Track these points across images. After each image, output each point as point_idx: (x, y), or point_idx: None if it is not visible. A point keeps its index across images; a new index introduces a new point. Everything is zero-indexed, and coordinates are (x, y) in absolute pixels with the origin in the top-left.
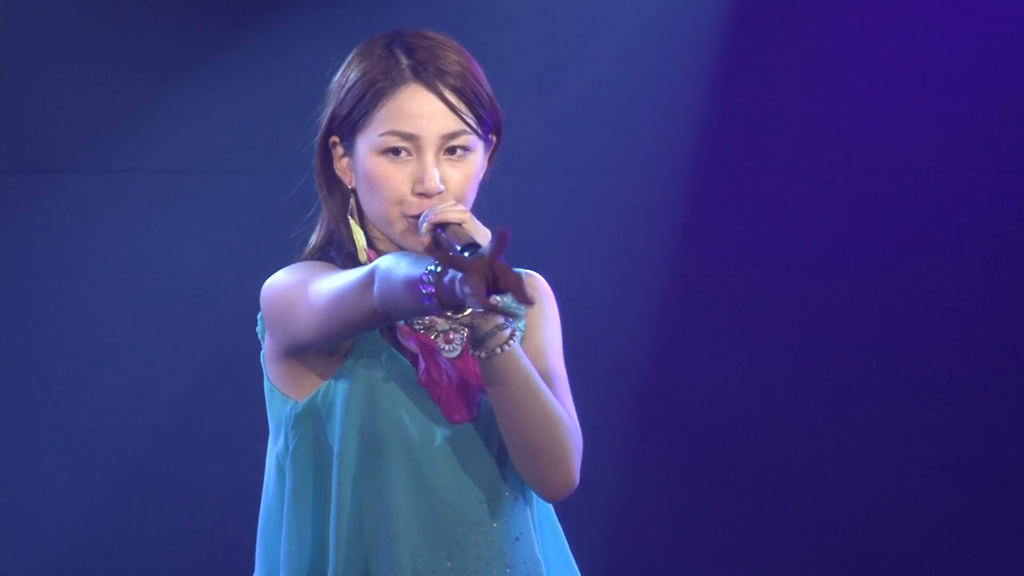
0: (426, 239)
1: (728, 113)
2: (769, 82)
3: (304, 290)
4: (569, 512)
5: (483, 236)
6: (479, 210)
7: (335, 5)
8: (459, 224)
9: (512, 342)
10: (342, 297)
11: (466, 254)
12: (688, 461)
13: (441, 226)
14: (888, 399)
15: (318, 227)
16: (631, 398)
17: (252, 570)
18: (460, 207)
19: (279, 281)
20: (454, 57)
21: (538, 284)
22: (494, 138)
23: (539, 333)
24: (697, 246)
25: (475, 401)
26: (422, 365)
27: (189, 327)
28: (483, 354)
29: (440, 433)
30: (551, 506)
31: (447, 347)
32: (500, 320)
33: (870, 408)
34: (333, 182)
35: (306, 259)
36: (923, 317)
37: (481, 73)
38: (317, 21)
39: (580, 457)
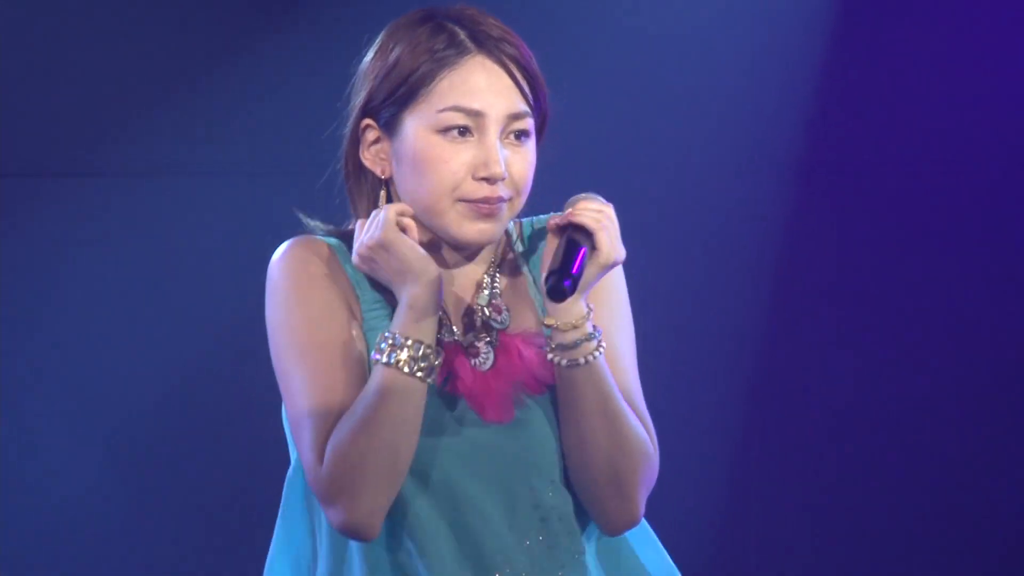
0: (551, 240)
1: (834, 113)
2: (875, 81)
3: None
4: (674, 514)
5: (616, 250)
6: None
7: (349, 7)
8: (590, 234)
9: (598, 354)
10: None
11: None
12: (798, 461)
13: (571, 227)
14: (1007, 397)
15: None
16: (740, 397)
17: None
18: (604, 213)
19: (279, 332)
20: (504, 29)
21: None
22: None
23: (601, 313)
24: (805, 245)
25: (510, 404)
26: (444, 372)
27: (199, 331)
28: (565, 361)
29: (470, 441)
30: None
31: (477, 360)
32: (589, 328)
33: (989, 407)
34: (360, 173)
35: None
36: None
37: (533, 56)
38: (331, 24)
39: (649, 489)
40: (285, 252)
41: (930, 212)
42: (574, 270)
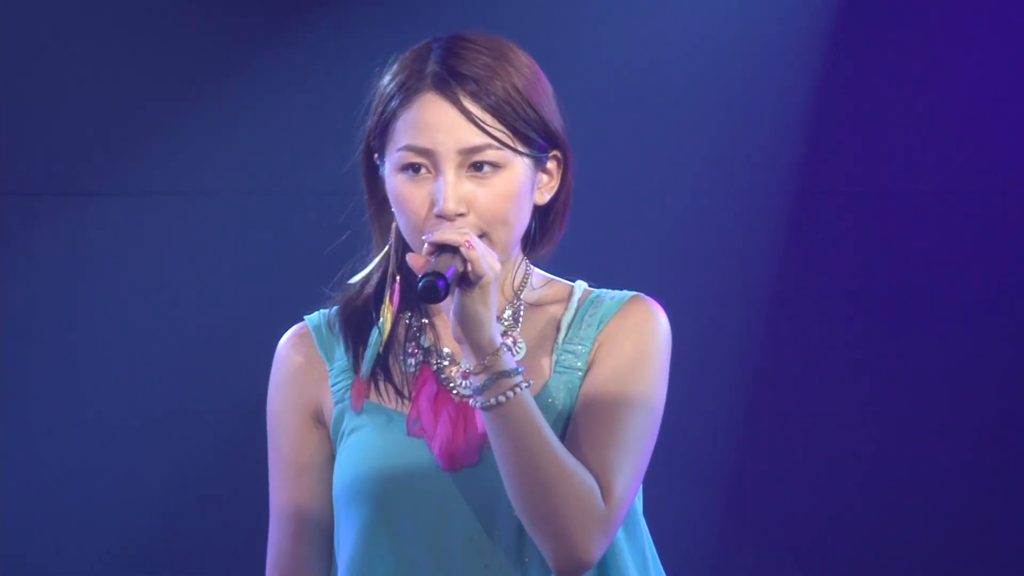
0: (421, 260)
1: (831, 135)
2: (872, 102)
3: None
4: (673, 515)
5: (488, 258)
6: (571, 231)
7: (361, 21)
8: (455, 248)
9: (518, 391)
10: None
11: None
12: (795, 487)
13: (441, 248)
14: (1008, 400)
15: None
16: (740, 402)
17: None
18: (463, 229)
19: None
20: (485, 61)
21: (648, 307)
22: (558, 155)
23: (617, 361)
24: (801, 268)
25: (475, 447)
26: (413, 414)
27: (198, 345)
28: (480, 402)
29: (429, 483)
30: (645, 542)
31: (465, 382)
32: (507, 365)
33: (989, 409)
34: (381, 203)
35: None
36: None
37: (524, 81)
38: (342, 37)
39: (598, 531)
40: (278, 348)
41: (930, 215)
42: (448, 274)
